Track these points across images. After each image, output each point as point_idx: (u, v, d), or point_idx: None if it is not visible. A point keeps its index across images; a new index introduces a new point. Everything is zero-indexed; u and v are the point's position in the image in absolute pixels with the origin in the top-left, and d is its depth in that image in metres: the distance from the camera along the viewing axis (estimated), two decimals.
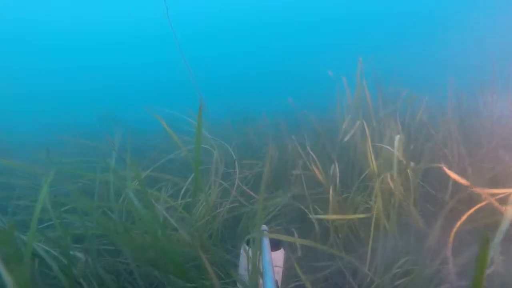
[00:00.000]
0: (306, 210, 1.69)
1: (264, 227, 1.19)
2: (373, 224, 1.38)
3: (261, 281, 1.00)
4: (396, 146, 1.53)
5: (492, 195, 1.13)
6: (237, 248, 1.19)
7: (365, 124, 1.82)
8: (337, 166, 1.72)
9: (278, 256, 1.11)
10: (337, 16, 12.77)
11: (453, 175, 1.12)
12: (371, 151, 1.57)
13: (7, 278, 0.83)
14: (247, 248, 1.10)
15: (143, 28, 14.47)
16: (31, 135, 3.94)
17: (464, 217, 1.09)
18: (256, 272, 1.01)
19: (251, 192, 1.88)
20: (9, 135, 3.89)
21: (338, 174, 1.70)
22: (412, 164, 1.61)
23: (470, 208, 1.12)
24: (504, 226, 0.97)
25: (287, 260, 1.21)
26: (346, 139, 2.15)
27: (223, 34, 13.57)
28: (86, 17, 14.58)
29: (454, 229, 1.07)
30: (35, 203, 1.06)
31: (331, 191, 1.57)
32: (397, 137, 1.58)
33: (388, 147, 1.68)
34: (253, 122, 3.19)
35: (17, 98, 8.31)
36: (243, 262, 1.12)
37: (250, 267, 1.04)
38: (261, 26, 13.94)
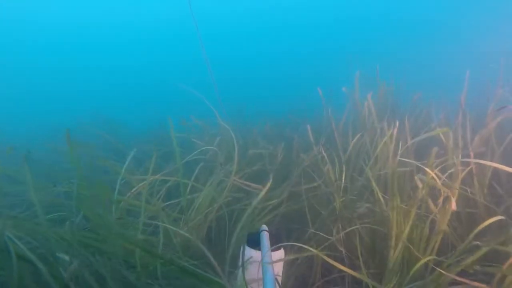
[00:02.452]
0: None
1: (264, 226, 1.17)
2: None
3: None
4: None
5: None
6: (237, 248, 1.16)
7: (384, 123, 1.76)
8: (343, 167, 1.67)
9: (278, 256, 1.09)
10: (343, 19, 12.91)
11: None
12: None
13: None
14: (246, 248, 1.09)
15: (141, 28, 14.66)
16: (32, 136, 3.93)
17: None
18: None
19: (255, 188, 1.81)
20: (8, 135, 3.88)
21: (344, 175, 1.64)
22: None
23: None
24: None
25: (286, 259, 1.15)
26: (353, 142, 2.09)
27: (224, 36, 13.65)
28: (86, 17, 14.80)
29: None
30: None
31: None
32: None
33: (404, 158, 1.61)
34: (259, 124, 3.18)
35: (26, 99, 8.36)
36: (242, 262, 1.08)
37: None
38: (262, 28, 14.12)
